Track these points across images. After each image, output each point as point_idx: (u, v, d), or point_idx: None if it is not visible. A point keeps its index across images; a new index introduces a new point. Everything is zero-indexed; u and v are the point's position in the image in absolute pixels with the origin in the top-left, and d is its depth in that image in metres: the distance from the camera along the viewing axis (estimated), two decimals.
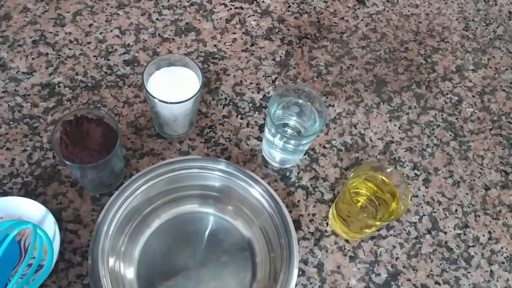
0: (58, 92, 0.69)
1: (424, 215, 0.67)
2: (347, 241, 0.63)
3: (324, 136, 0.71)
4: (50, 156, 0.63)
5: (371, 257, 0.62)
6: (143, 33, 0.76)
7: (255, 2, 0.84)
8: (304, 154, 0.68)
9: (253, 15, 0.82)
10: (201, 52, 0.76)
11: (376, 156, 0.70)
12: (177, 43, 0.76)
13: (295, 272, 0.55)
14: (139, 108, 0.69)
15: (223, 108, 0.71)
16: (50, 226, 0.56)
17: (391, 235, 0.64)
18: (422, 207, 0.67)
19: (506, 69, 0.83)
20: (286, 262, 0.56)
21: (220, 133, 0.69)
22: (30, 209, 0.56)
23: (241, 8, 0.83)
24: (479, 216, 0.68)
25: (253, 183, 0.60)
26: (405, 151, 0.71)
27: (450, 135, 0.74)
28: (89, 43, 0.74)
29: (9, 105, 0.67)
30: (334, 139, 0.71)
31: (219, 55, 0.76)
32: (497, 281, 0.63)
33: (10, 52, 0.71)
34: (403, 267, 0.62)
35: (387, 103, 0.76)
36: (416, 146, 0.72)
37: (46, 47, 0.73)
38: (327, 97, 0.75)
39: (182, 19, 0.79)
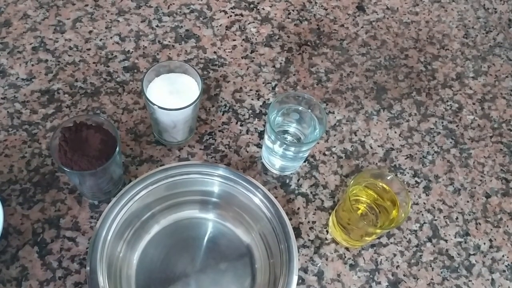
0: (58, 98, 0.69)
1: (424, 223, 0.66)
2: (347, 249, 0.62)
3: (324, 143, 0.71)
4: (49, 163, 0.63)
5: (371, 265, 0.62)
6: (143, 40, 0.76)
7: (255, 9, 0.84)
8: (304, 161, 0.68)
9: (253, 22, 0.82)
10: (201, 59, 0.76)
11: (377, 164, 0.70)
12: (177, 50, 0.76)
13: (295, 278, 0.54)
14: (139, 114, 0.69)
15: (222, 115, 0.71)
16: None
17: (391, 243, 0.64)
18: (422, 214, 0.67)
19: (506, 77, 0.83)
20: (285, 267, 0.55)
21: (219, 140, 0.68)
22: None
23: (241, 15, 0.83)
24: (480, 224, 0.67)
25: (252, 188, 0.60)
26: (405, 159, 0.71)
27: (451, 142, 0.74)
28: (89, 49, 0.74)
29: (8, 112, 0.67)
30: (334, 146, 0.70)
31: (219, 62, 0.76)
32: None
33: (9, 59, 0.71)
34: (404, 275, 0.62)
35: (387, 110, 0.75)
36: (416, 154, 0.72)
37: (46, 54, 0.73)
38: (327, 104, 0.74)
39: (182, 26, 0.79)
